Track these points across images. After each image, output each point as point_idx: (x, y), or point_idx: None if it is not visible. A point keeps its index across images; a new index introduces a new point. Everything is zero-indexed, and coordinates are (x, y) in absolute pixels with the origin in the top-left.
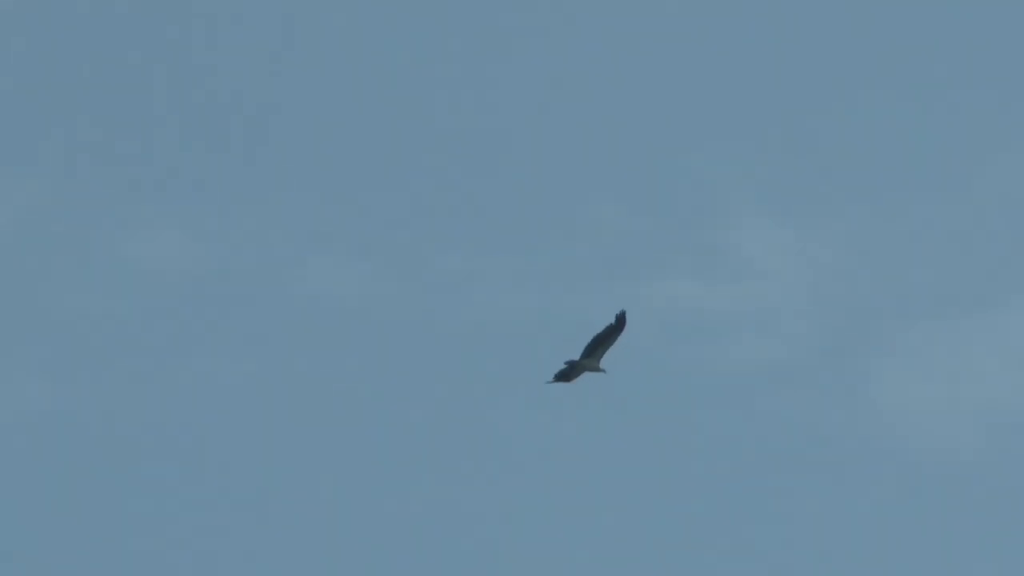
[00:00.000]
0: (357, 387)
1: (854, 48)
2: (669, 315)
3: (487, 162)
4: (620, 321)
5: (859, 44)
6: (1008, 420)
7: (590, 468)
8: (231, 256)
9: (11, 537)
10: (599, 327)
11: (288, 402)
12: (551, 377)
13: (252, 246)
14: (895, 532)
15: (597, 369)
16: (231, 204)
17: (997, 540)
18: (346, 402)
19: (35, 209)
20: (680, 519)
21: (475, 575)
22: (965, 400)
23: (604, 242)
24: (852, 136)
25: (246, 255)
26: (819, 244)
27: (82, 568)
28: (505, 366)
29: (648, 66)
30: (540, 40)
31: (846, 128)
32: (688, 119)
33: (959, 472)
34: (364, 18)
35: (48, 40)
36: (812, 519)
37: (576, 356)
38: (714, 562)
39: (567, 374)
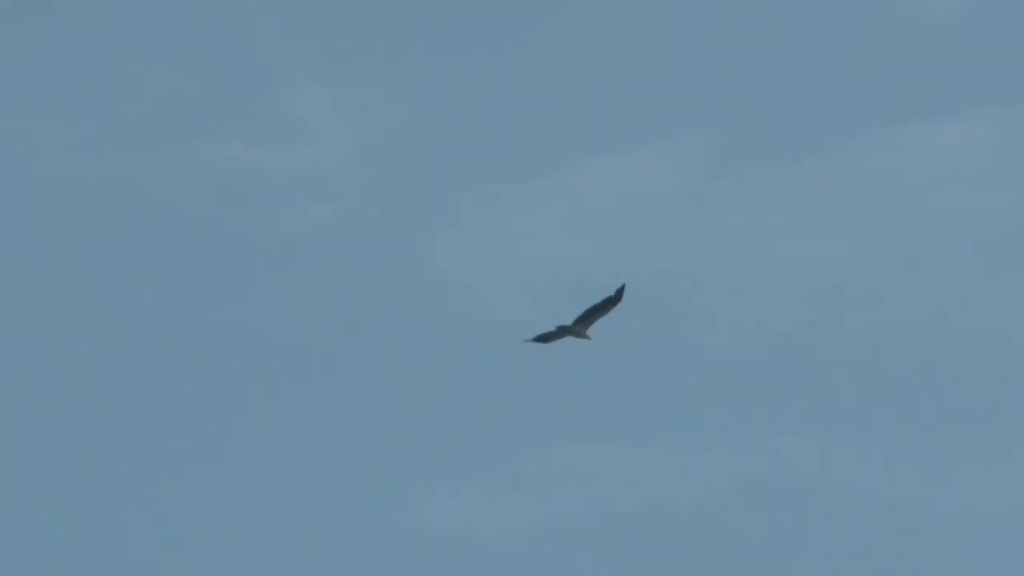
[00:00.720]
0: None
1: None
2: (221, 179)
3: (36, 21)
4: (618, 294)
5: None
6: (571, 286)
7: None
8: None
9: None
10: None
11: None
12: (530, 337)
13: None
14: (452, 398)
15: (584, 336)
16: None
17: (552, 403)
18: None
19: None
20: (228, 395)
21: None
22: (527, 265)
23: (154, 103)
24: None
25: None
26: (377, 106)
27: None
28: (57, 229)
29: None
30: None
31: None
32: None
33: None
34: None
35: None
36: (376, 384)
37: (567, 322)
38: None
39: (549, 336)
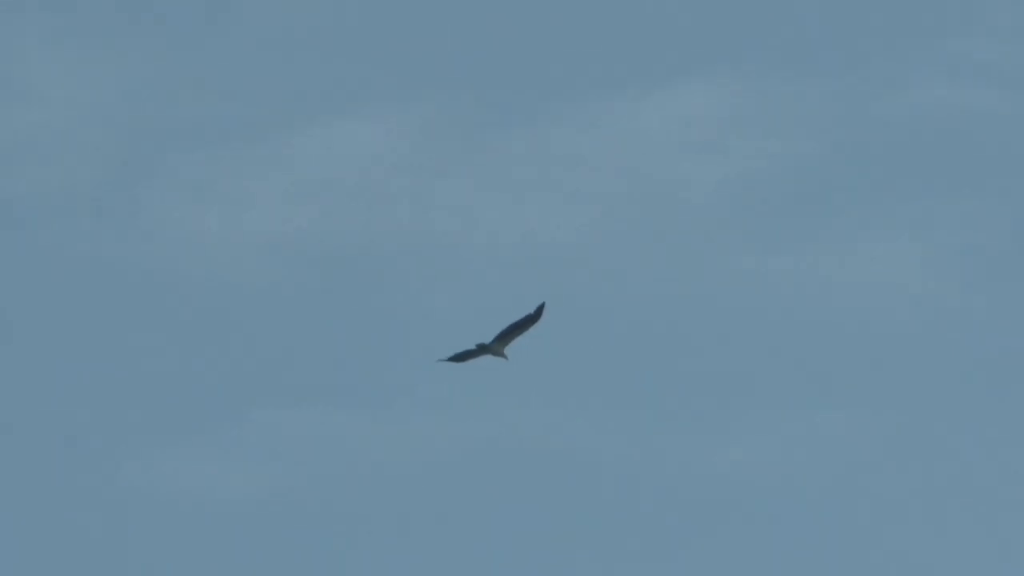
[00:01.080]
0: None
1: None
2: None
3: None
4: (538, 312)
5: None
6: (291, 250)
7: None
8: None
9: None
10: None
11: None
12: (446, 356)
13: None
14: (171, 361)
15: (501, 355)
16: None
17: (271, 366)
18: None
19: None
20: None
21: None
22: (255, 228)
23: None
24: None
25: None
26: (103, 68)
27: None
28: None
29: None
30: None
31: None
32: None
33: (249, 303)
34: None
35: None
36: (96, 347)
37: (487, 340)
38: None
39: (466, 356)
